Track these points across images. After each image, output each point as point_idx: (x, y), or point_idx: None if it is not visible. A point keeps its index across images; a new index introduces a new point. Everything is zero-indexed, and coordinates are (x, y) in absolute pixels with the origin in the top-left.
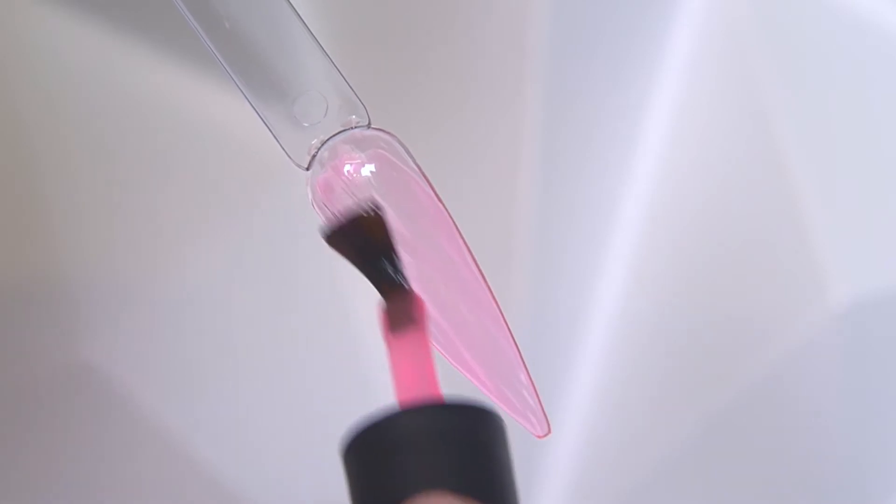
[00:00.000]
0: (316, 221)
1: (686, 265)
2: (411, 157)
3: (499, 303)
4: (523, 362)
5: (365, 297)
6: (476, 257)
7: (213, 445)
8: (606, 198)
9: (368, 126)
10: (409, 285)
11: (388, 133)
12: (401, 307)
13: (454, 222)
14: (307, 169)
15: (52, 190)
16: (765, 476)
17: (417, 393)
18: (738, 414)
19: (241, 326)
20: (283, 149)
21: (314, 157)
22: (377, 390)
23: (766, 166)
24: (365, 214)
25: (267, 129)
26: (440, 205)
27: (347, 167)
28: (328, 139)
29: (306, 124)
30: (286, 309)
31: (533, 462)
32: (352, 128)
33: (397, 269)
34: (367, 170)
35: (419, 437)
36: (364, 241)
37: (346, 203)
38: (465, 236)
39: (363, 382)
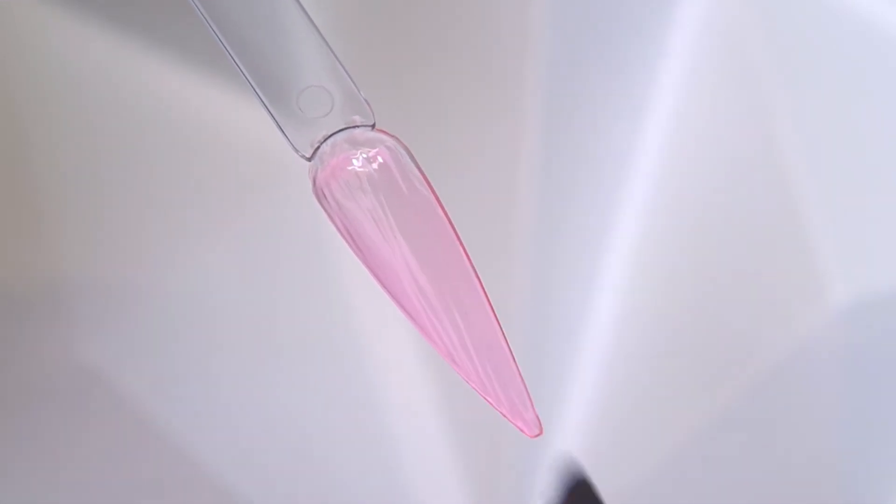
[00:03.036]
0: (315, 221)
1: (685, 265)
2: (414, 161)
3: (493, 306)
4: (516, 365)
5: (367, 298)
6: (475, 264)
7: (213, 447)
8: (605, 198)
9: (373, 127)
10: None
11: (392, 136)
12: None
13: (454, 229)
14: (309, 159)
15: (50, 189)
16: (764, 476)
17: None
18: (738, 414)
19: (242, 327)
20: (287, 137)
21: (317, 150)
22: (379, 391)
23: (766, 166)
24: None
25: (271, 119)
26: (440, 212)
27: (349, 167)
28: (331, 135)
29: (310, 117)
30: (286, 309)
31: (531, 461)
32: (355, 126)
33: None
34: (366, 171)
35: None
36: None
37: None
38: (462, 235)
39: (365, 384)
